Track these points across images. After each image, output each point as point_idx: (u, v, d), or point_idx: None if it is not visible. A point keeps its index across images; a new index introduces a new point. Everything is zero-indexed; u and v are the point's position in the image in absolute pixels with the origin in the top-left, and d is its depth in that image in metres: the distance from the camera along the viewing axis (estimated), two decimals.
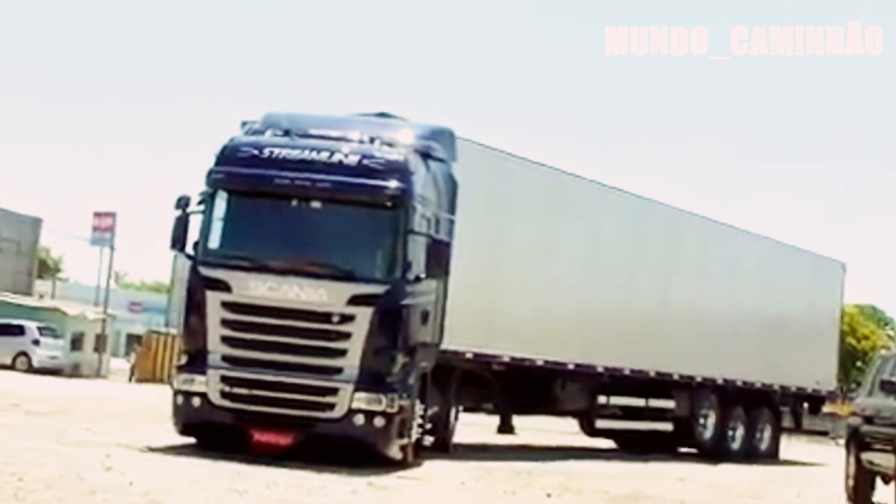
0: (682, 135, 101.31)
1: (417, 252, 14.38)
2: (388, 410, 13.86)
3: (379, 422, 13.80)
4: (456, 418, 17.26)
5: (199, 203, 14.34)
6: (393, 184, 14.16)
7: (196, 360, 14.08)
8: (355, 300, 13.91)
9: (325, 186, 14.09)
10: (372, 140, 14.74)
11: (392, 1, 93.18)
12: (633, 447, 21.38)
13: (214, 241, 14.40)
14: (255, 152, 14.36)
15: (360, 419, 13.78)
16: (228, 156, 14.42)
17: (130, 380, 41.67)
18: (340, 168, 14.19)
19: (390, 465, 13.86)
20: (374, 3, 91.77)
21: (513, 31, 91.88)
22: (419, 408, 14.84)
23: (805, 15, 69.92)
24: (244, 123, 15.37)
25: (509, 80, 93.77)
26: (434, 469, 14.24)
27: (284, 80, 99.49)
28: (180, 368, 14.36)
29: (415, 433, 14.69)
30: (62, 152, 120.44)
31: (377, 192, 14.13)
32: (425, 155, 15.10)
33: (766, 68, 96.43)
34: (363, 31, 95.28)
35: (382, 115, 16.26)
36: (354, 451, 13.90)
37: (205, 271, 14.18)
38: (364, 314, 13.89)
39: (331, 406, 13.83)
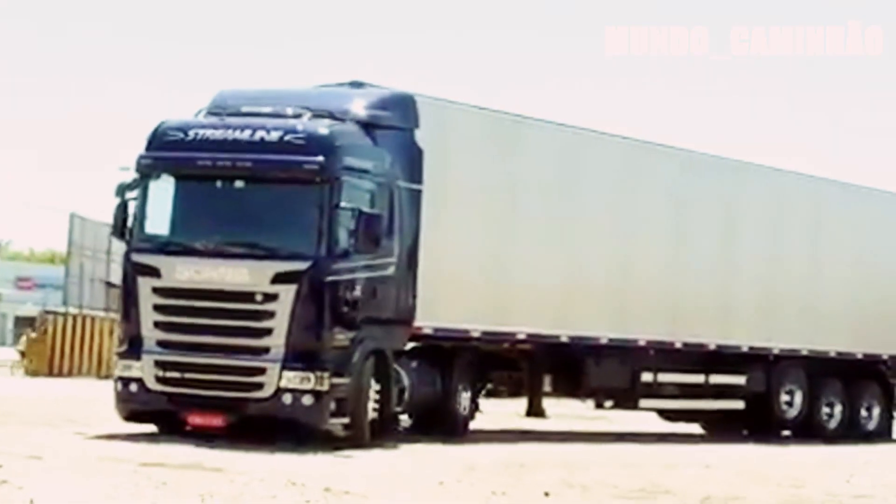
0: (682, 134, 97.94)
1: (349, 227, 15.15)
2: (318, 388, 14.78)
3: (307, 400, 14.76)
4: (474, 402, 17.65)
5: (129, 189, 15.57)
6: (315, 158, 15.00)
7: (132, 346, 15.45)
8: (278, 278, 14.97)
9: (246, 165, 15.26)
10: (306, 113, 15.45)
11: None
12: (720, 431, 21.00)
13: (145, 227, 15.79)
14: (181, 135, 15.63)
15: (288, 398, 14.78)
16: (156, 140, 15.76)
17: (13, 372, 34.65)
18: (262, 146, 15.28)
19: (340, 444, 14.48)
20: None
21: (512, 31, 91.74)
22: (373, 387, 15.47)
23: (805, 15, 67.54)
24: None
25: (509, 79, 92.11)
26: (413, 462, 14.05)
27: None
28: (120, 355, 15.77)
29: (368, 412, 15.36)
30: None
31: (296, 168, 15.12)
32: (370, 125, 15.91)
33: (766, 68, 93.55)
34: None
35: (356, 84, 17.08)
36: (288, 430, 14.85)
37: (136, 257, 15.60)
38: (287, 292, 14.92)
39: (259, 386, 14.91)
